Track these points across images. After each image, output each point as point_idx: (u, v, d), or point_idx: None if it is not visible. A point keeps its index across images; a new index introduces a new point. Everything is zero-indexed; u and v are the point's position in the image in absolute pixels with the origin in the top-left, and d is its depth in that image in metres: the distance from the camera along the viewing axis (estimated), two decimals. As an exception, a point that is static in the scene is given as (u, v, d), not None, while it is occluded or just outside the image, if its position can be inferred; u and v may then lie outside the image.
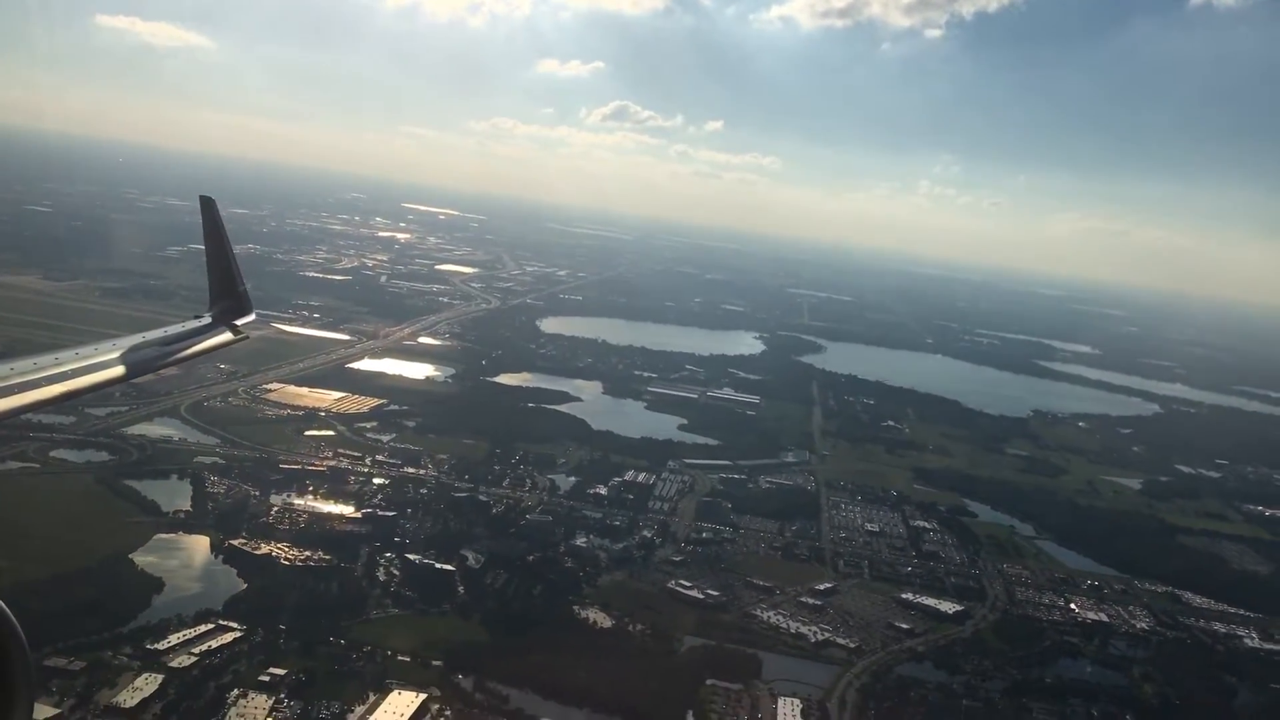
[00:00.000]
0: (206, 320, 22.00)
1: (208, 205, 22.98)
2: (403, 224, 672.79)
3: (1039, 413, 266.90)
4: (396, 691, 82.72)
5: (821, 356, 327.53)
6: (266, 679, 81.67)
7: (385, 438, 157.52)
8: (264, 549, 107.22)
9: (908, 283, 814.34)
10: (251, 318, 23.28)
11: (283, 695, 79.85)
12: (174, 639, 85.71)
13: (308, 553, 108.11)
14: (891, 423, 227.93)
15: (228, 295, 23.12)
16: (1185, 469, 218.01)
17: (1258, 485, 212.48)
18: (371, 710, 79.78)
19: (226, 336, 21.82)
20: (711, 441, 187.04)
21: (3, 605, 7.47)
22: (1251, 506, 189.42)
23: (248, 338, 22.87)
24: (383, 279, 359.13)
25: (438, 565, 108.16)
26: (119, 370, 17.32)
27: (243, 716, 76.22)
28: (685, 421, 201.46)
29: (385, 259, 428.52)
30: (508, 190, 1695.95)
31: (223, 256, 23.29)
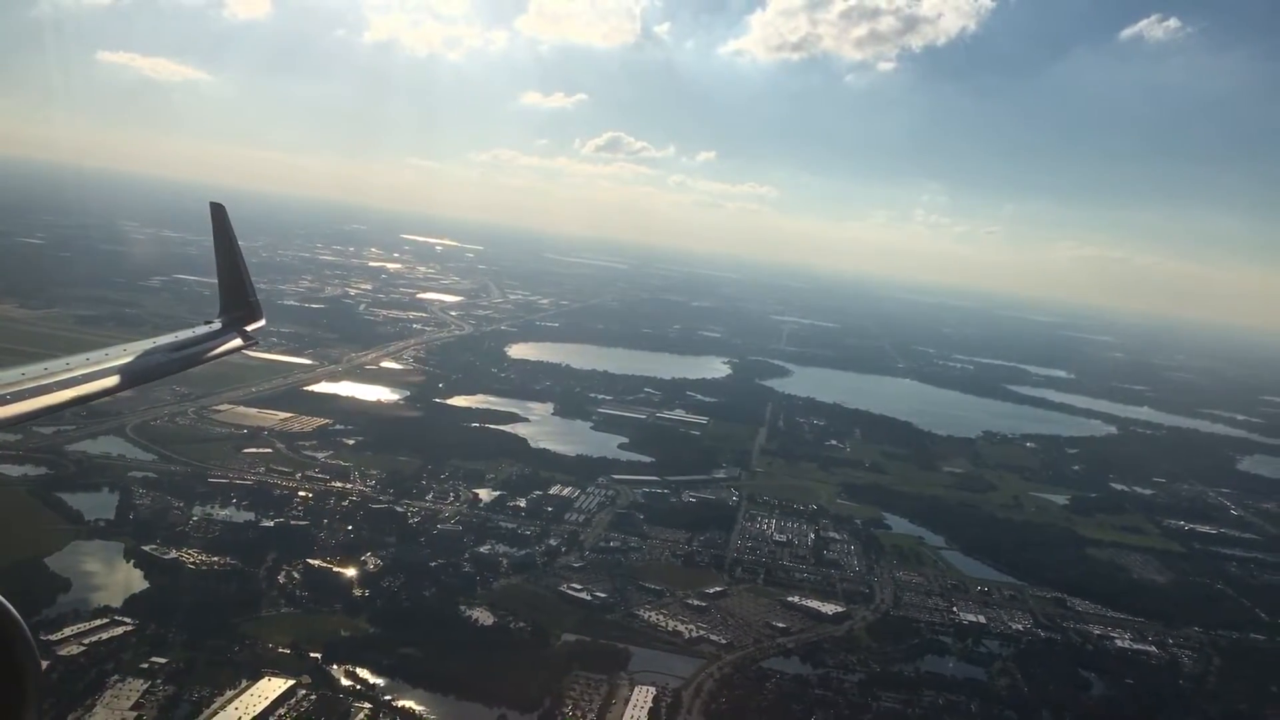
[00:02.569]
0: (217, 326, 22.35)
1: (218, 212, 23.43)
2: (396, 254, 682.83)
3: (989, 433, 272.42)
4: (267, 678, 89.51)
5: (785, 380, 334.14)
6: (146, 666, 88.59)
7: (321, 455, 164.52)
8: (173, 554, 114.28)
9: (899, 309, 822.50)
10: (262, 323, 23.75)
11: (159, 681, 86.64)
12: (68, 631, 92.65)
13: (215, 558, 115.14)
14: (834, 442, 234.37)
15: (238, 301, 23.60)
16: (1119, 486, 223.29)
17: (1188, 502, 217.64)
18: (240, 694, 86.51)
19: (236, 342, 22.18)
20: (646, 459, 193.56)
21: (10, 606, 7.54)
22: (1173, 521, 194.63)
23: (258, 343, 23.29)
24: (361, 307, 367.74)
25: (335, 569, 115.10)
26: (129, 375, 17.40)
27: (116, 697, 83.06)
28: (626, 440, 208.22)
29: (369, 287, 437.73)
30: (513, 221, 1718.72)
31: (233, 263, 23.78)
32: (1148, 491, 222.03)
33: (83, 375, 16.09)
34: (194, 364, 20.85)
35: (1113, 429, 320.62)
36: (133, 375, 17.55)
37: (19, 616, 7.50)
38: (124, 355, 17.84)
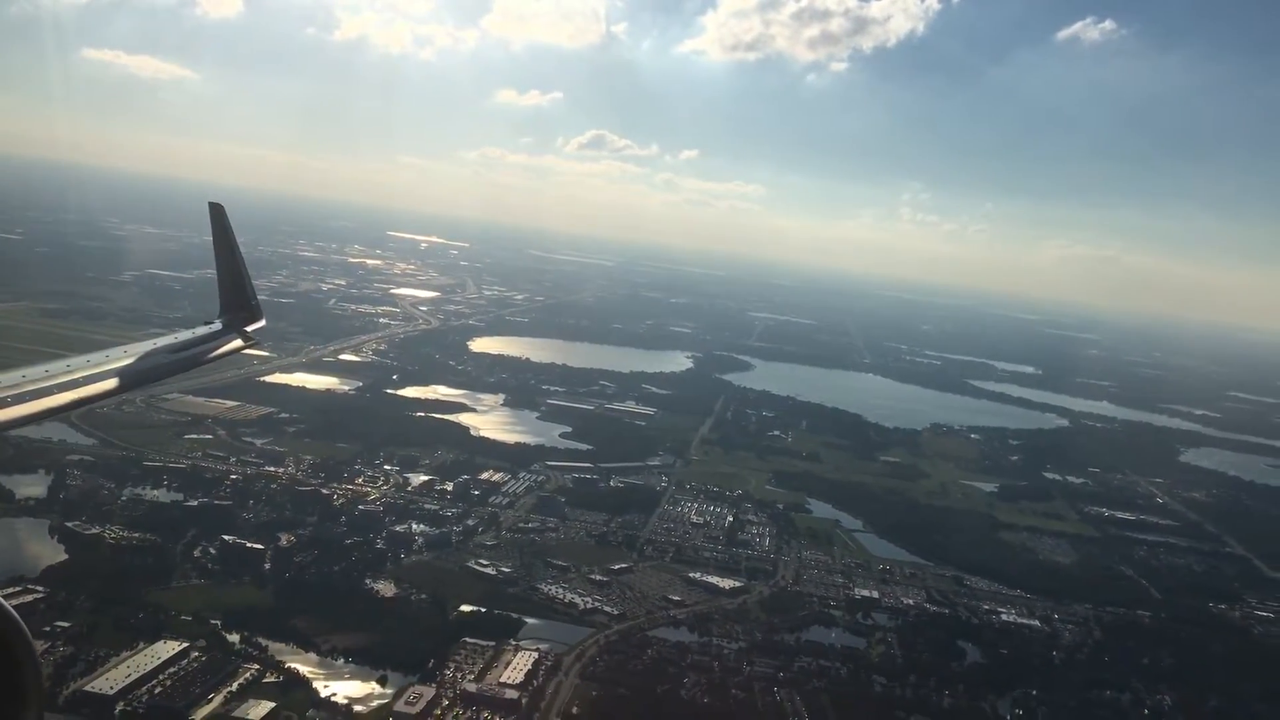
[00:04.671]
0: (217, 326, 22.39)
1: (217, 212, 23.31)
2: (379, 251, 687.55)
3: (937, 425, 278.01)
4: (163, 641, 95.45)
5: (745, 374, 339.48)
6: (49, 629, 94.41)
7: (259, 441, 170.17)
8: (95, 530, 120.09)
9: (882, 307, 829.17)
10: (262, 324, 23.66)
11: (59, 642, 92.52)
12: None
13: (136, 534, 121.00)
14: (777, 432, 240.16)
15: (238, 301, 23.65)
16: (1052, 476, 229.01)
17: (1117, 491, 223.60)
18: (135, 655, 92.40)
19: (237, 343, 22.19)
20: (585, 447, 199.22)
21: (9, 607, 7.57)
22: (1096, 508, 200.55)
23: (258, 343, 23.19)
24: (331, 302, 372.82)
25: (249, 545, 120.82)
26: (130, 377, 17.38)
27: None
28: (570, 430, 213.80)
29: (343, 283, 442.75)
30: (506, 218, 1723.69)
31: (233, 263, 23.81)
32: (1079, 480, 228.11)
33: (84, 377, 16.02)
34: (195, 365, 20.78)
35: (1064, 422, 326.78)
36: (133, 377, 17.57)
37: (18, 617, 7.62)
38: (125, 357, 17.79)
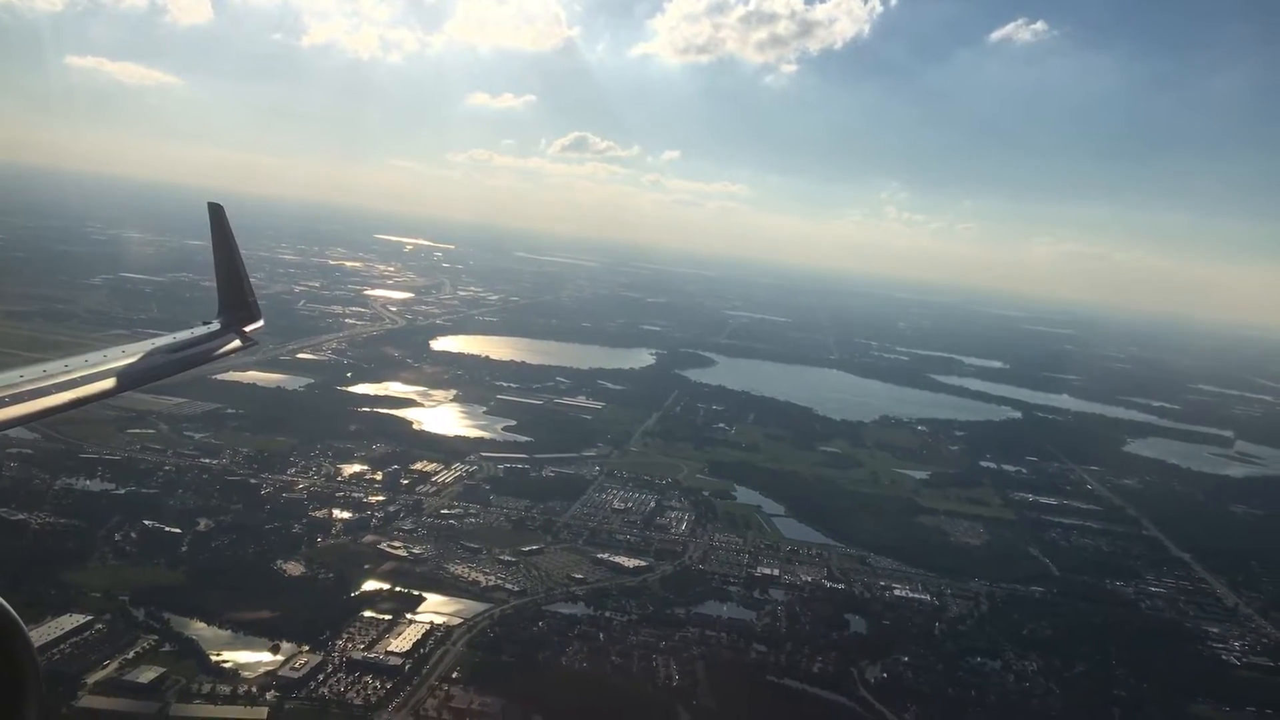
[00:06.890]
0: (215, 326, 22.57)
1: (216, 212, 23.48)
2: (362, 254, 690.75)
3: (885, 418, 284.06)
4: (69, 615, 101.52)
5: (705, 370, 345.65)
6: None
7: (199, 435, 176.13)
8: (21, 516, 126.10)
9: (864, 304, 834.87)
10: (260, 324, 23.90)
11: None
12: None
13: (62, 520, 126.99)
14: (722, 425, 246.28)
15: (237, 302, 23.84)
16: (988, 465, 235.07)
17: (1049, 478, 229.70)
18: (38, 627, 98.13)
19: (236, 343, 22.41)
20: (524, 439, 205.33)
21: (9, 608, 7.59)
22: (1023, 495, 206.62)
23: (257, 344, 23.52)
24: (300, 303, 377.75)
25: (167, 529, 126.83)
26: (128, 377, 17.52)
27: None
28: (514, 423, 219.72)
29: (317, 285, 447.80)
30: (499, 221, 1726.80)
31: (232, 264, 23.95)
32: (1013, 469, 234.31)
33: (82, 377, 16.15)
34: (193, 365, 20.88)
35: (1017, 414, 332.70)
36: (132, 377, 17.72)
37: (18, 618, 7.55)
38: (123, 357, 17.98)
